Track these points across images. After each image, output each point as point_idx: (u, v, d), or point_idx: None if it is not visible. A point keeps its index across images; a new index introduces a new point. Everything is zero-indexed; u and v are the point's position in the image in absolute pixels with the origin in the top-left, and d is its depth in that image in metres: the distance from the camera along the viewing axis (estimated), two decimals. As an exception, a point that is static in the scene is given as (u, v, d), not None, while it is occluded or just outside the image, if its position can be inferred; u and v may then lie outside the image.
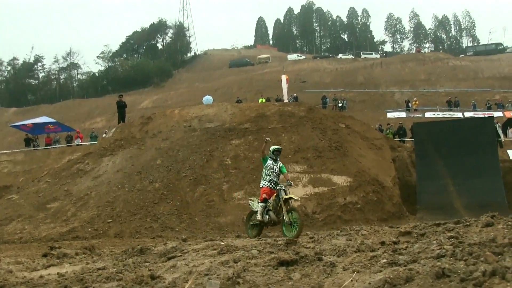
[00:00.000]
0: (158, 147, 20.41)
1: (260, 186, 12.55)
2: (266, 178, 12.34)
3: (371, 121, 38.20)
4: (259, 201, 12.38)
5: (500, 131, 30.34)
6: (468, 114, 45.55)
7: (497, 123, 30.61)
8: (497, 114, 43.94)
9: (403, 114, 48.64)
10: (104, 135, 30.56)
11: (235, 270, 3.62)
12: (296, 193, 17.00)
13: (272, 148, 12.60)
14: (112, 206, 16.83)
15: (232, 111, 22.46)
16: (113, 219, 16.06)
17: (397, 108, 53.64)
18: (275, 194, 12.17)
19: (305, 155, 18.84)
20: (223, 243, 4.65)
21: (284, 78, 29.76)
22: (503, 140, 30.65)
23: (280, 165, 12.53)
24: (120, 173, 18.98)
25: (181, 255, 4.64)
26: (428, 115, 47.15)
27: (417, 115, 47.26)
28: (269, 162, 12.40)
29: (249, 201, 12.99)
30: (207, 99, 28.00)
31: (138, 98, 75.35)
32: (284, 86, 29.77)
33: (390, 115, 48.54)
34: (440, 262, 3.18)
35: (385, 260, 3.62)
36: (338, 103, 51.40)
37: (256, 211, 12.37)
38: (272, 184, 12.27)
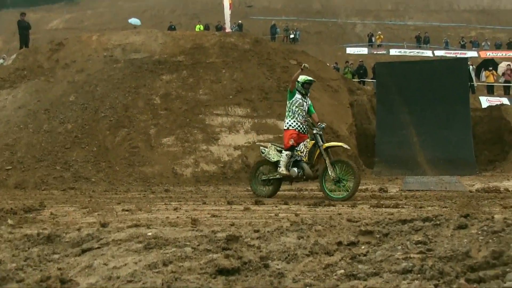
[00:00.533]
0: (71, 81, 19.91)
1: (285, 128, 11.73)
2: (295, 117, 11.53)
3: (328, 57, 38.58)
4: (281, 148, 11.70)
5: (473, 74, 31.38)
6: (439, 53, 46.66)
7: (471, 65, 31.62)
8: (471, 53, 45.26)
9: (364, 50, 49.26)
10: (1, 61, 29.43)
11: (164, 278, 3.53)
12: (236, 141, 17.19)
13: (301, 78, 11.70)
14: (12, 150, 16.46)
15: (163, 40, 22.07)
16: (13, 166, 15.76)
17: (358, 42, 54.17)
18: (308, 141, 11.43)
19: (248, 97, 18.90)
20: (150, 233, 4.53)
21: (226, 1, 29.30)
22: (475, 85, 31.73)
23: (309, 103, 11.85)
24: (23, 110, 18.47)
25: (98, 248, 4.46)
26: (393, 52, 47.94)
27: (380, 52, 47.99)
28: (298, 96, 11.60)
29: (261, 148, 12.28)
30: (134, 21, 27.31)
31: (45, 16, 72.47)
32: (227, 11, 29.35)
33: (349, 50, 49.05)
34: (406, 281, 3.21)
35: (342, 270, 3.60)
36: (290, 34, 51.37)
37: (275, 162, 11.69)
38: (302, 126, 11.57)
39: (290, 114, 11.61)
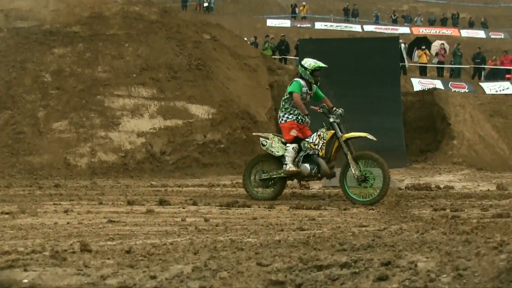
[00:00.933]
0: None
1: (281, 122, 11.25)
2: (292, 111, 11.06)
3: (246, 30, 38.59)
4: (284, 141, 11.09)
5: (404, 54, 32.25)
6: (369, 28, 47.62)
7: (403, 43, 32.45)
8: (403, 29, 46.46)
9: (287, 23, 49.54)
10: None
11: None
12: (140, 127, 16.97)
13: (309, 64, 11.24)
14: None
15: (55, 6, 21.35)
16: None
17: (280, 13, 54.42)
18: (323, 131, 10.89)
19: (155, 75, 18.62)
20: (26, 281, 4.22)
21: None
22: (407, 66, 32.64)
23: (315, 89, 11.40)
24: None
25: None
26: (318, 25, 48.47)
27: (304, 25, 48.44)
28: (302, 90, 11.06)
29: (262, 139, 11.41)
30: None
31: None
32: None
33: (270, 22, 49.19)
34: None
35: None
36: (204, 1, 51.00)
37: (280, 157, 11.01)
38: (301, 118, 11.06)
39: (286, 108, 11.11)
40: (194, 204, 10.28)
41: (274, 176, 11.08)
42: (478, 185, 12.62)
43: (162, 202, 10.22)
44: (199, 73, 19.01)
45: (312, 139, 10.88)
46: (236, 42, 22.59)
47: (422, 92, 23.44)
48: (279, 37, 35.54)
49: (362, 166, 10.58)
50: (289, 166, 10.72)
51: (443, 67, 34.01)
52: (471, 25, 48.49)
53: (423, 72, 33.25)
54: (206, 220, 8.24)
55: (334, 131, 10.79)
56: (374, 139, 11.03)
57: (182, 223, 8.02)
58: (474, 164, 18.18)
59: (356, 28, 48.39)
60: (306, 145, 10.90)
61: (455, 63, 34.08)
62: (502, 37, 45.88)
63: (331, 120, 10.86)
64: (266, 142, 11.23)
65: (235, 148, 17.31)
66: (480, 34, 46.42)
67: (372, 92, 20.02)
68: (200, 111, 17.78)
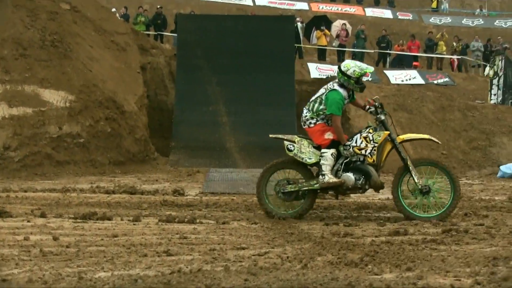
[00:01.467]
0: None
1: (309, 126, 10.48)
2: (318, 116, 10.34)
3: (115, 0, 37.82)
4: (315, 145, 10.33)
5: (301, 34, 32.55)
6: (262, 2, 47.70)
7: (300, 22, 32.74)
8: (301, 5, 46.73)
9: (165, -9, 49.08)
10: None
11: None
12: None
13: (354, 71, 10.31)
14: None
15: None
16: None
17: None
18: (369, 131, 10.28)
19: (-1, 53, 17.98)
20: None
21: None
22: (303, 49, 32.95)
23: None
24: None
25: None
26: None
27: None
28: (342, 94, 10.30)
29: (287, 143, 10.50)
30: None
31: None
32: None
33: (144, -10, 48.58)
34: None
35: None
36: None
37: (313, 164, 10.36)
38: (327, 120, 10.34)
39: (314, 113, 10.40)
40: (43, 215, 9.83)
41: (305, 188, 10.37)
42: (377, 193, 12.78)
43: (0, 214, 9.67)
44: (55, 51, 18.52)
45: (357, 142, 10.22)
46: (102, 14, 22.13)
47: (319, 80, 23.67)
48: (155, 9, 34.97)
49: (425, 175, 10.24)
50: (329, 177, 10.05)
51: (345, 51, 34.55)
52: (376, 3, 49.49)
53: (322, 56, 33.59)
54: (55, 238, 7.84)
55: (388, 132, 10.26)
56: (439, 142, 10.96)
57: (25, 243, 7.58)
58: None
59: (247, 1, 48.44)
60: (349, 150, 10.23)
61: (358, 46, 34.62)
62: (411, 18, 47.11)
63: (382, 118, 10.30)
64: (293, 146, 10.36)
65: (98, 143, 17.04)
66: (387, 14, 47.43)
67: (261, 79, 20.14)
68: (55, 97, 17.36)
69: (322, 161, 10.09)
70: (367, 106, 10.63)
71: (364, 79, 11.09)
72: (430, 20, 46.14)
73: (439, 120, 22.62)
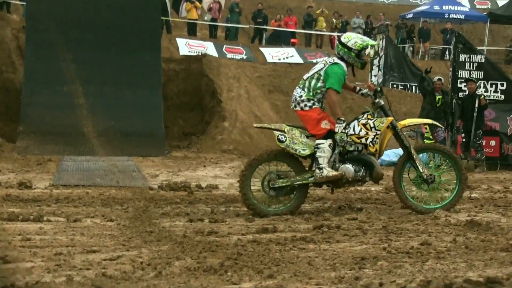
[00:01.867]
0: None
1: (304, 108, 10.23)
2: (316, 95, 10.16)
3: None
4: (308, 134, 10.19)
5: (169, 6, 32.31)
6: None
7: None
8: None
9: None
10: None
11: None
12: None
13: (355, 43, 10.25)
14: None
15: None
16: None
17: None
18: (368, 116, 10.17)
19: None
20: None
21: None
22: (172, 22, 32.65)
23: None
24: None
25: None
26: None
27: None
28: (344, 68, 10.20)
29: (278, 134, 10.23)
30: None
31: None
32: None
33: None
34: None
35: None
36: None
37: (306, 156, 10.17)
38: (322, 104, 10.23)
39: (311, 93, 10.17)
40: None
41: (298, 182, 10.16)
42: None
43: None
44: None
45: (355, 131, 10.11)
46: None
47: (189, 58, 23.62)
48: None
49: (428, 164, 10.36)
50: (328, 170, 9.90)
51: (217, 26, 34.49)
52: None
53: (192, 31, 33.48)
54: None
55: (391, 118, 10.17)
56: (442, 126, 11.21)
57: None
58: (247, 153, 18.21)
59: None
60: (345, 138, 10.11)
61: (232, 21, 34.68)
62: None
63: (382, 103, 10.23)
64: (285, 137, 10.12)
65: None
66: (264, -14, 47.63)
67: (124, 57, 19.87)
68: None
69: (318, 153, 9.96)
70: (358, 88, 10.75)
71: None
72: (309, -7, 46.58)
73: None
